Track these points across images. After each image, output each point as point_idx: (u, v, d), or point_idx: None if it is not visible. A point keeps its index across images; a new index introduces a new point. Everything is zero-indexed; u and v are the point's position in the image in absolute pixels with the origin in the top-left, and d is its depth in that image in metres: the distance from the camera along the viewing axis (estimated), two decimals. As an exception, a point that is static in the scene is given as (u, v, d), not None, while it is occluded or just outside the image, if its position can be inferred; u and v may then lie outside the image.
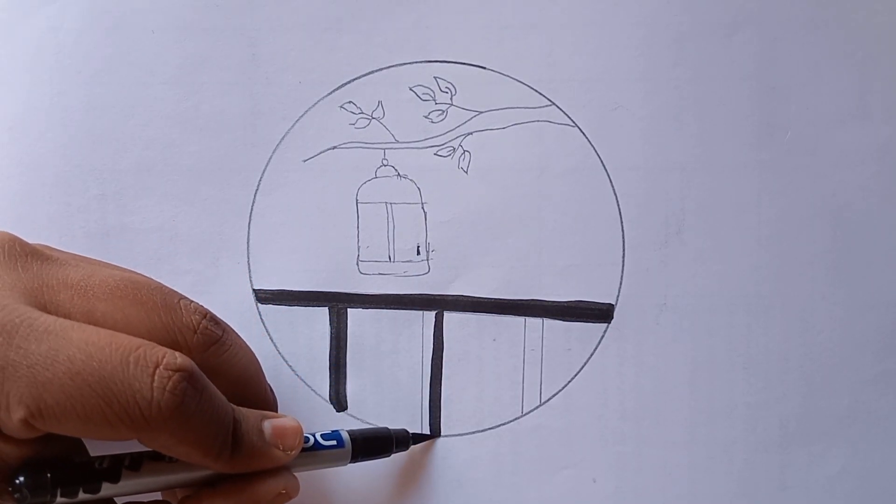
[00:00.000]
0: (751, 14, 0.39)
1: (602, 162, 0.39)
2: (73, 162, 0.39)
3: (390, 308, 0.39)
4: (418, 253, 0.39)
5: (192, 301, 0.32)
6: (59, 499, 0.28)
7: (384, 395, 0.39)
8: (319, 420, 0.39)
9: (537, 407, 0.39)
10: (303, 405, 0.39)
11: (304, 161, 0.39)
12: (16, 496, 0.28)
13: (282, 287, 0.39)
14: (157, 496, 0.31)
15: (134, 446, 0.30)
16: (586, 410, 0.39)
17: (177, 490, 0.32)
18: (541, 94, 0.39)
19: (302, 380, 0.39)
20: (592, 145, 0.39)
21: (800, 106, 0.39)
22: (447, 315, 0.39)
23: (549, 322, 0.39)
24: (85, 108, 0.39)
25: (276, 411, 0.36)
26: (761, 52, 0.39)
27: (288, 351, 0.39)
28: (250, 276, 0.39)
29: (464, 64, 0.39)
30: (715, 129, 0.39)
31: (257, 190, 0.39)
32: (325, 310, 0.39)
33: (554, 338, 0.39)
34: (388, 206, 0.39)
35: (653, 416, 0.39)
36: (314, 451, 0.34)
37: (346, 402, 0.39)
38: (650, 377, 0.39)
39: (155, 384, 0.28)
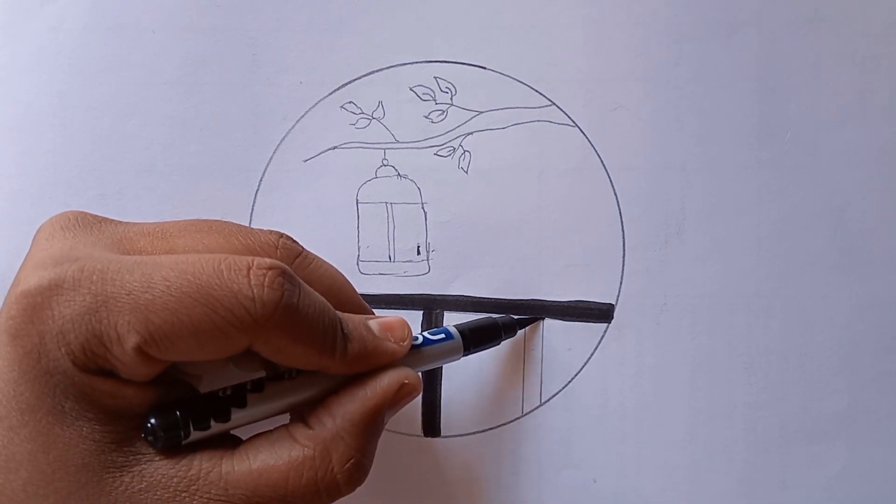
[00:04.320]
0: (751, 14, 0.39)
1: (602, 162, 0.39)
2: (73, 162, 0.39)
3: (390, 308, 0.39)
4: (418, 253, 0.39)
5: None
6: (192, 434, 0.28)
7: (384, 395, 0.39)
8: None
9: (537, 407, 0.39)
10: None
11: (305, 161, 0.40)
12: (149, 439, 0.28)
13: (282, 287, 0.39)
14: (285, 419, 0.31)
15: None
16: (586, 410, 0.39)
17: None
18: (541, 94, 0.39)
19: (302, 380, 0.39)
20: (592, 145, 0.39)
21: (800, 106, 0.39)
22: (447, 315, 0.39)
23: (549, 322, 0.39)
24: (85, 108, 0.39)
25: None
26: (761, 52, 0.39)
27: (288, 351, 0.39)
28: (250, 276, 0.39)
29: (464, 64, 0.39)
30: (715, 129, 0.39)
31: (258, 190, 0.39)
32: (326, 310, 0.39)
33: (554, 338, 0.39)
34: (388, 206, 0.39)
35: (653, 416, 0.39)
36: (426, 348, 0.34)
37: (346, 402, 0.39)
38: (650, 377, 0.39)
39: (253, 283, 0.28)
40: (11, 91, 0.39)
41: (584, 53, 0.39)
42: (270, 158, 0.39)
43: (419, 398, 0.39)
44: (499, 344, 0.37)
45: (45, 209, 0.39)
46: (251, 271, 0.28)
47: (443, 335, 0.35)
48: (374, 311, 0.39)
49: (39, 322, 0.27)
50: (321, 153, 0.40)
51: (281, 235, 0.32)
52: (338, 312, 0.31)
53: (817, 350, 0.39)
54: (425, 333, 0.34)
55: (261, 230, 0.32)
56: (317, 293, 0.30)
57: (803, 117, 0.39)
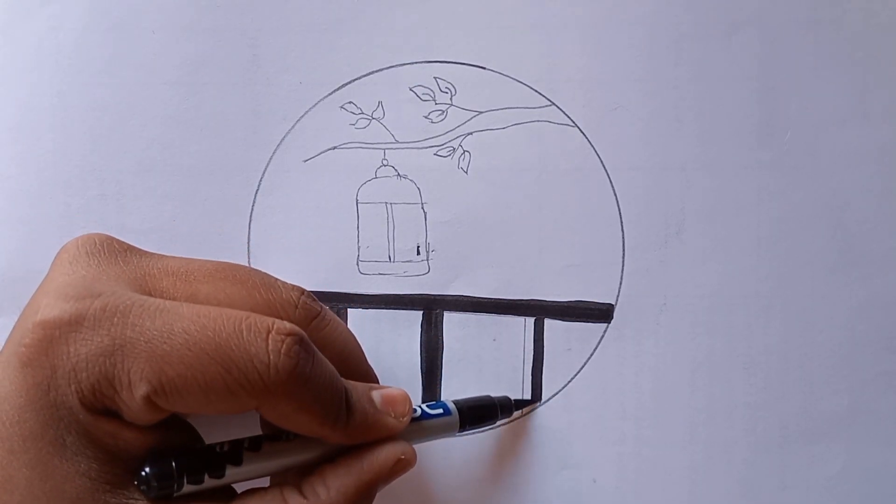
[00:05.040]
0: (751, 14, 0.39)
1: (602, 162, 0.39)
2: (73, 162, 0.39)
3: (390, 308, 0.39)
4: (418, 253, 0.39)
5: (287, 281, 0.33)
6: (185, 487, 0.28)
7: (384, 395, 0.39)
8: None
9: (537, 407, 0.39)
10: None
11: (305, 161, 0.40)
12: (142, 488, 0.28)
13: (282, 287, 0.39)
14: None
15: (247, 431, 0.30)
16: (586, 410, 0.39)
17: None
18: (541, 94, 0.39)
19: (302, 380, 0.39)
20: (592, 145, 0.39)
21: (800, 106, 0.39)
22: (447, 315, 0.39)
23: (549, 322, 0.39)
24: (85, 109, 0.39)
25: None
26: (761, 52, 0.39)
27: (288, 351, 0.39)
28: (250, 276, 0.39)
29: (464, 64, 0.39)
30: (715, 129, 0.39)
31: (257, 190, 0.39)
32: (325, 310, 0.39)
33: (554, 338, 0.39)
34: (388, 206, 0.39)
35: (653, 416, 0.39)
36: (423, 421, 0.34)
37: (346, 402, 0.39)
38: (650, 377, 0.39)
39: (270, 348, 0.28)
40: (11, 91, 0.39)
41: (584, 53, 0.39)
42: (270, 158, 0.39)
43: (419, 398, 0.39)
44: (494, 424, 0.38)
45: (44, 209, 0.39)
46: (270, 336, 0.28)
47: (441, 410, 0.35)
48: (373, 310, 0.39)
49: (54, 356, 0.27)
50: (321, 153, 0.40)
51: (302, 293, 0.32)
52: (344, 381, 0.31)
53: (817, 350, 0.39)
54: (424, 407, 0.35)
55: (284, 285, 0.32)
56: (327, 362, 0.30)
57: (803, 117, 0.39)
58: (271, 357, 0.28)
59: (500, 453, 0.39)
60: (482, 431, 0.38)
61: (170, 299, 0.29)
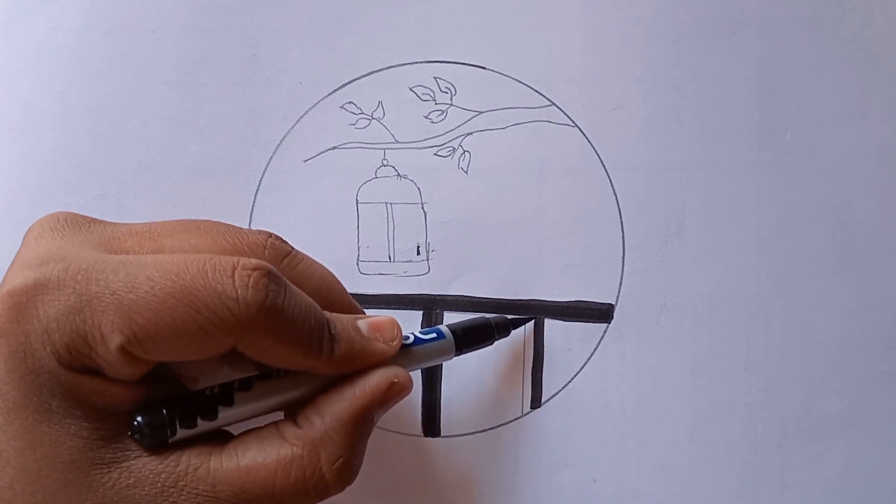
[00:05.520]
0: (751, 14, 0.39)
1: (602, 162, 0.39)
2: (73, 162, 0.39)
3: (390, 308, 0.39)
4: (418, 253, 0.39)
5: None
6: (179, 432, 0.28)
7: (384, 395, 0.39)
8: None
9: (537, 407, 0.39)
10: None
11: (305, 161, 0.40)
12: (136, 437, 0.28)
13: (282, 287, 0.39)
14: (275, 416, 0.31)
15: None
16: (586, 410, 0.39)
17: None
18: (541, 94, 0.39)
19: (302, 380, 0.39)
20: (592, 145, 0.39)
21: (800, 106, 0.39)
22: (447, 315, 0.39)
23: (549, 322, 0.39)
24: (85, 109, 0.39)
25: None
26: (761, 52, 0.39)
27: (288, 351, 0.39)
28: (250, 276, 0.39)
29: (464, 64, 0.39)
30: (715, 129, 0.39)
31: (258, 190, 0.39)
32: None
33: (554, 338, 0.39)
34: (388, 206, 0.39)
35: (653, 416, 0.39)
36: (417, 346, 0.34)
37: (346, 402, 0.39)
38: (650, 377, 0.39)
39: (237, 283, 0.27)
40: (11, 91, 0.39)
41: (584, 53, 0.39)
42: (270, 158, 0.39)
43: (419, 398, 0.39)
44: (492, 344, 0.37)
45: (45, 209, 0.39)
46: (236, 272, 0.28)
47: (434, 335, 0.34)
48: (373, 310, 0.39)
49: (24, 321, 0.27)
50: (321, 153, 0.40)
51: (269, 235, 0.32)
52: (326, 313, 0.30)
53: (817, 350, 0.39)
54: (417, 333, 0.34)
55: (250, 230, 0.32)
56: (303, 294, 0.30)
57: (803, 117, 0.39)
58: (239, 292, 0.27)
59: (500, 453, 0.39)
60: (480, 348, 0.37)
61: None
